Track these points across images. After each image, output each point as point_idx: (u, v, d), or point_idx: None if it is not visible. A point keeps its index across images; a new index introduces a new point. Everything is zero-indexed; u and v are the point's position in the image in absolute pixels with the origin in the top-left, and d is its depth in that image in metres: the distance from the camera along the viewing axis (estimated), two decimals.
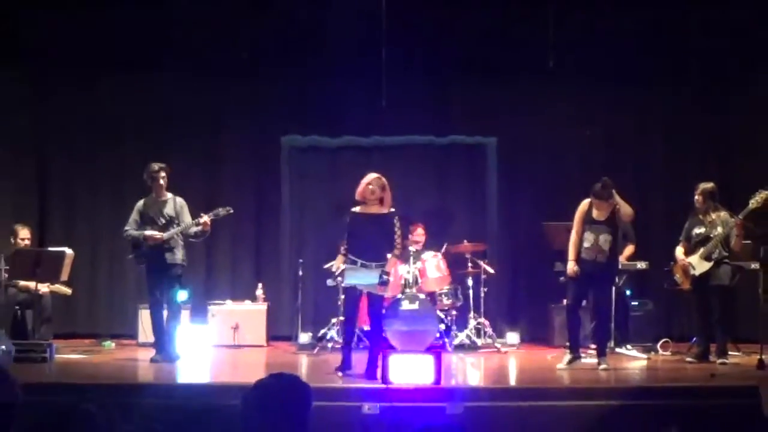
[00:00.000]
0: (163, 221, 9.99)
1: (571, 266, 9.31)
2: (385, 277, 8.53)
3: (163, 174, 10.06)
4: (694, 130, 12.97)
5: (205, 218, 9.94)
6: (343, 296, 9.79)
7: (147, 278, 10.11)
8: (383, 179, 8.85)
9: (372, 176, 8.87)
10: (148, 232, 9.83)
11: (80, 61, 12.56)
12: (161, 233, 9.84)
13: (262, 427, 3.12)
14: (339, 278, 8.78)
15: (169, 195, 10.18)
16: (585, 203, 9.38)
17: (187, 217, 10.08)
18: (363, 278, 8.59)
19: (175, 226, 9.97)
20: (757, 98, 12.48)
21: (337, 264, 8.97)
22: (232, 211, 10.38)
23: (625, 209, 9.26)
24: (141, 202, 10.17)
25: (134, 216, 10.10)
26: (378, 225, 8.68)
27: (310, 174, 13.32)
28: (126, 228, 10.07)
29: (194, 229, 10.00)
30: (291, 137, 13.22)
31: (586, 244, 9.25)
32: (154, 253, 9.88)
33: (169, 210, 10.06)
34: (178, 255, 10.02)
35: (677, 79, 12.63)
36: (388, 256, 8.65)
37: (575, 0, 10.18)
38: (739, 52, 12.01)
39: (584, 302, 9.79)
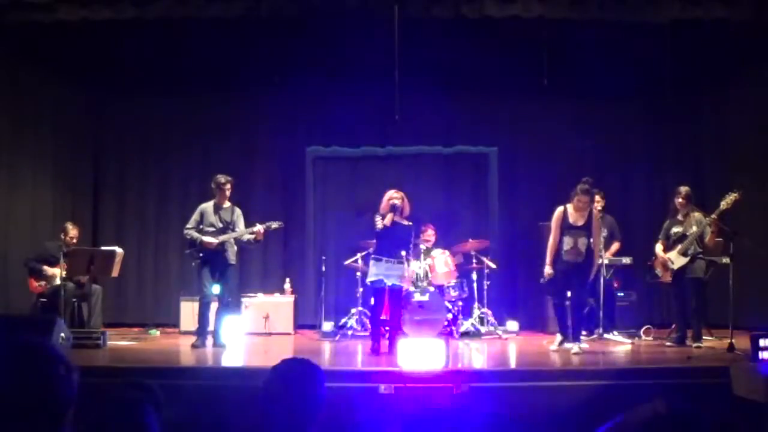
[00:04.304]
0: (221, 225, 10.03)
1: (547, 270, 9.39)
2: (406, 273, 9.41)
3: (228, 186, 10.10)
4: (671, 141, 13.04)
5: (259, 227, 10.00)
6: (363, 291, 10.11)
7: (201, 274, 10.00)
8: (401, 193, 9.43)
9: (391, 193, 9.41)
10: (206, 238, 9.86)
11: (133, 84, 12.68)
12: (216, 239, 9.88)
13: (281, 404, 3.14)
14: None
15: (229, 204, 10.23)
16: (560, 210, 9.40)
17: (241, 225, 10.14)
18: (387, 272, 9.20)
19: (230, 231, 10.02)
20: (724, 114, 12.55)
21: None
22: (283, 225, 10.51)
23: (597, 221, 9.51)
24: (203, 206, 10.19)
25: (195, 217, 10.12)
26: (400, 232, 9.38)
27: (331, 180, 13.41)
28: (187, 226, 10.09)
29: (247, 236, 10.05)
30: (315, 148, 13.32)
31: (566, 248, 9.25)
32: (210, 253, 9.91)
33: (226, 216, 10.10)
34: (231, 256, 10.09)
35: (656, 96, 12.61)
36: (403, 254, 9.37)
37: (566, 27, 10.16)
38: (710, 72, 12.02)
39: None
